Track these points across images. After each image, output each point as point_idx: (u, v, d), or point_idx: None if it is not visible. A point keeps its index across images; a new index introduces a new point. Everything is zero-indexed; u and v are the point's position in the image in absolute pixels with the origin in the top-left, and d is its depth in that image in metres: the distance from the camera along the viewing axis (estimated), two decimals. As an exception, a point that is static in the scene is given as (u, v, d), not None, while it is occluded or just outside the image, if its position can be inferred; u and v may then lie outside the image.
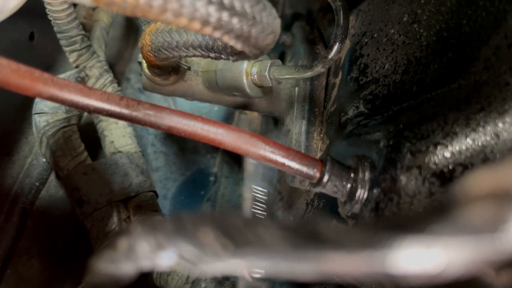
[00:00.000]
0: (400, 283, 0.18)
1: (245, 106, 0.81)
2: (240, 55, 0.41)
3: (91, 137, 0.81)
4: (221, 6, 0.30)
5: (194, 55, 0.50)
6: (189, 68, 0.74)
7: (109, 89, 0.81)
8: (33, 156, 0.82)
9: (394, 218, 0.33)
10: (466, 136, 0.35)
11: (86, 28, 0.86)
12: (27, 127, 0.83)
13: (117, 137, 0.77)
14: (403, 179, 0.39)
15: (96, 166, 0.72)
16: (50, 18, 0.72)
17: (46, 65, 0.88)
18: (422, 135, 0.39)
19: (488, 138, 0.34)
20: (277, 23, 0.36)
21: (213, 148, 1.16)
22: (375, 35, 0.56)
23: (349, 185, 0.43)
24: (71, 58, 0.79)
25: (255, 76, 0.64)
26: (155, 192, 0.75)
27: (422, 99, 0.44)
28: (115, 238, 0.28)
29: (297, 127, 0.69)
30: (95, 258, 0.30)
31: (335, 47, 0.54)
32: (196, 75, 0.76)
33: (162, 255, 0.23)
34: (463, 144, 0.35)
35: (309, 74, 0.57)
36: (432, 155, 0.37)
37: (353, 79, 0.59)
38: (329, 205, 0.59)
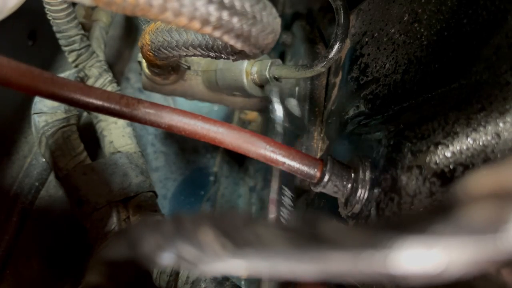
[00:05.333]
0: (400, 283, 0.18)
1: (245, 106, 0.81)
2: (240, 55, 0.40)
3: (90, 137, 0.81)
4: (221, 5, 0.30)
5: (194, 55, 0.50)
6: (189, 68, 0.74)
7: (109, 89, 0.81)
8: (33, 156, 0.82)
9: (395, 218, 0.33)
10: (467, 136, 0.35)
11: (86, 28, 0.86)
12: (27, 127, 0.83)
13: (117, 137, 0.77)
14: (403, 179, 0.38)
15: (96, 166, 0.72)
16: (49, 18, 0.72)
17: (45, 65, 0.88)
18: (422, 135, 0.39)
19: (489, 137, 0.34)
20: (277, 22, 0.36)
21: (213, 148, 1.16)
22: (376, 35, 0.56)
23: (349, 185, 0.43)
24: (70, 57, 0.79)
25: (255, 75, 0.64)
26: (154, 192, 0.74)
27: (423, 99, 0.44)
28: (115, 238, 0.27)
29: (297, 127, 0.69)
30: (95, 258, 0.30)
31: (336, 47, 0.54)
32: (196, 74, 0.76)
33: (162, 255, 0.23)
34: (464, 143, 0.35)
35: (309, 73, 0.57)
36: (433, 155, 0.37)
37: (354, 78, 0.59)
38: (329, 205, 0.59)
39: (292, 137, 0.62)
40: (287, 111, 0.63)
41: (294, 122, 0.63)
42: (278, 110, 0.62)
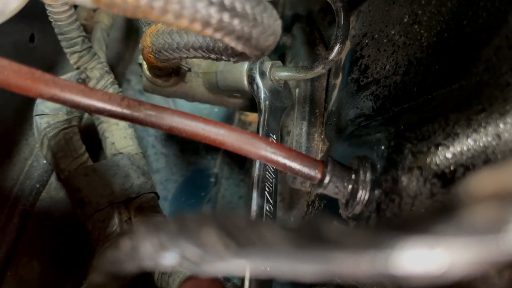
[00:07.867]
0: (402, 284, 0.18)
1: (246, 107, 0.81)
2: (241, 56, 0.41)
3: (92, 138, 0.81)
4: (222, 7, 0.30)
5: (195, 57, 0.50)
6: (189, 70, 0.74)
7: (110, 90, 0.81)
8: (34, 158, 0.82)
9: (396, 219, 0.33)
10: (468, 137, 0.35)
11: (87, 30, 0.86)
12: (28, 128, 0.83)
13: (118, 138, 0.77)
14: (404, 180, 0.39)
15: (97, 167, 0.72)
16: (51, 20, 0.72)
17: (46, 67, 0.88)
18: (423, 136, 0.39)
19: (490, 139, 0.34)
20: (278, 24, 0.36)
21: (214, 149, 1.16)
22: (376, 36, 0.56)
23: (350, 186, 0.43)
24: (72, 59, 0.79)
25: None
26: (156, 193, 0.75)
27: (423, 100, 0.44)
28: (118, 238, 0.28)
29: (297, 128, 0.69)
30: (98, 259, 0.30)
31: (336, 48, 0.54)
32: (197, 76, 0.76)
33: (165, 255, 0.23)
34: (465, 145, 0.35)
35: (309, 75, 0.57)
36: (434, 156, 0.37)
37: (354, 80, 0.59)
38: (330, 206, 0.59)
39: (279, 112, 0.62)
40: (269, 86, 0.63)
41: (279, 96, 0.63)
42: (260, 86, 0.62)
